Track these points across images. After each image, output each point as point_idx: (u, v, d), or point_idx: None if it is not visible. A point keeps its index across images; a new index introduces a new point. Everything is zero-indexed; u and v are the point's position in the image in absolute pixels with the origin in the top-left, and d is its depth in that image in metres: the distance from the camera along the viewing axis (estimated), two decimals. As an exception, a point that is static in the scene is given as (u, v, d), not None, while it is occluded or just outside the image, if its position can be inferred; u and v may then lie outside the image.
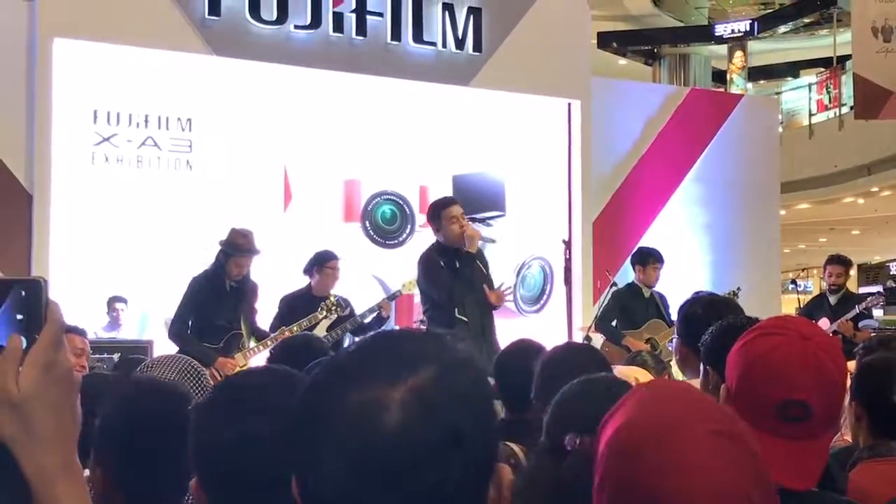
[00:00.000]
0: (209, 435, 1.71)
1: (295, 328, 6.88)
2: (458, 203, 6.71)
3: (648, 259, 7.95)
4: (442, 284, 6.42)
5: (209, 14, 9.08)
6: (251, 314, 6.98)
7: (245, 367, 6.56)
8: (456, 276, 6.45)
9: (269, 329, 7.05)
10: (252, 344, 6.89)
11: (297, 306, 7.11)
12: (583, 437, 1.77)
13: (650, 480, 1.24)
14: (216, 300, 6.72)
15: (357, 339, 7.63)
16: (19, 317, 1.07)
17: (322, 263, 7.27)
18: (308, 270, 7.31)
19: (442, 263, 6.47)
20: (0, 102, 8.35)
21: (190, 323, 6.75)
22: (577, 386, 2.18)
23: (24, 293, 1.07)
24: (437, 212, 6.62)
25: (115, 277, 8.71)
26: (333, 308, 7.03)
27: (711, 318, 3.21)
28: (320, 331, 7.13)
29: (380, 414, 0.98)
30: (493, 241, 7.31)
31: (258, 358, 6.85)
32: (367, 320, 7.44)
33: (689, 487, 1.22)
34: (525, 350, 3.73)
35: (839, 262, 8.70)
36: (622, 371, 3.90)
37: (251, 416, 1.67)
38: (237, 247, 6.70)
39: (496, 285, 6.70)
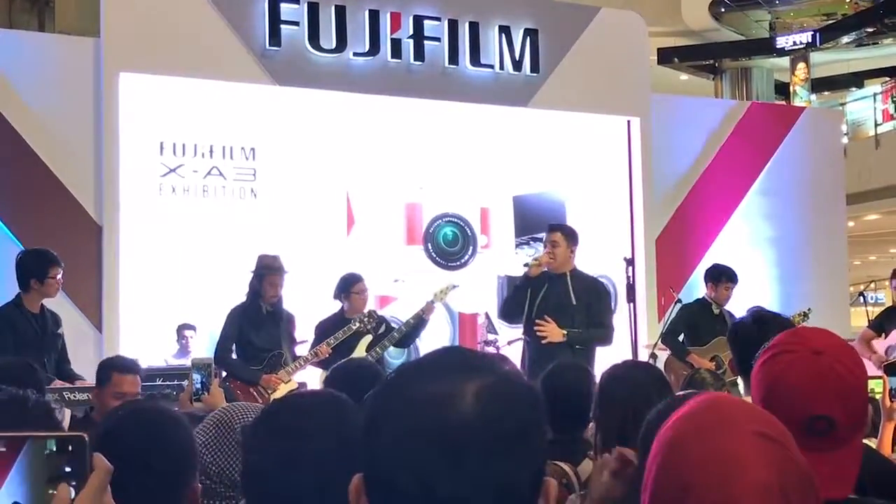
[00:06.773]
0: (254, 457, 1.74)
1: (332, 341, 7.01)
2: None
3: (721, 277, 7.82)
4: None
5: (270, 45, 9.23)
6: (291, 344, 7.12)
7: (289, 383, 6.78)
8: None
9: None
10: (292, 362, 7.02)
11: (330, 331, 7.17)
12: None
13: (691, 471, 1.26)
14: (255, 326, 6.93)
15: (403, 350, 7.71)
16: (68, 469, 1.18)
17: (348, 288, 7.33)
18: (337, 295, 7.37)
19: None
20: (69, 137, 8.54)
21: (234, 349, 6.96)
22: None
23: (70, 447, 1.19)
24: None
25: (183, 305, 8.85)
26: (367, 320, 7.13)
27: (757, 334, 3.21)
28: (360, 351, 7.17)
29: (456, 401, 1.06)
30: None
31: (301, 374, 7.06)
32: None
33: (729, 478, 1.24)
34: (577, 370, 3.82)
35: (902, 272, 8.55)
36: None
37: (293, 440, 1.69)
38: (267, 266, 6.98)
39: None
